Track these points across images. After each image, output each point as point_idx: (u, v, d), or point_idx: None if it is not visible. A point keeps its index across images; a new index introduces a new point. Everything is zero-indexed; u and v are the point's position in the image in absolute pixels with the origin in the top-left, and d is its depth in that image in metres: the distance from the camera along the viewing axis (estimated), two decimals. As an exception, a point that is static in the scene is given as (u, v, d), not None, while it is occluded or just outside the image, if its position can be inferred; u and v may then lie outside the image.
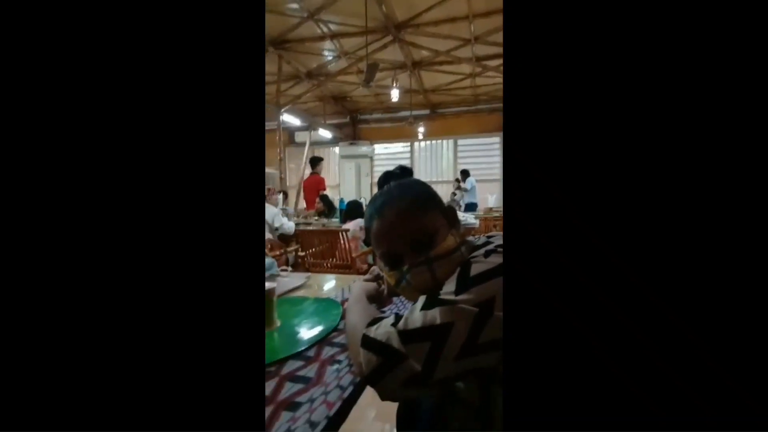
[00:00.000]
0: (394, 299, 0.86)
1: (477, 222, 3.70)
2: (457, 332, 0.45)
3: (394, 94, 4.61)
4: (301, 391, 0.48)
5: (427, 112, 7.07)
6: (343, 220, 3.52)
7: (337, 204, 4.33)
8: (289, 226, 3.29)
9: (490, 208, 5.33)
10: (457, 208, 4.84)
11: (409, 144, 7.48)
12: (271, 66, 5.03)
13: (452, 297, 0.48)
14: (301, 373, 0.53)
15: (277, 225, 3.18)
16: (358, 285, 0.75)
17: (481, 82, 5.77)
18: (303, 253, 2.96)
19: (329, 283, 1.12)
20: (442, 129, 7.13)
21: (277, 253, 2.81)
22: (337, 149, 7.59)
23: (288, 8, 3.93)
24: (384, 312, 0.79)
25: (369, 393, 0.49)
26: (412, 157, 7.47)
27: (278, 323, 0.72)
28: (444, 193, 6.00)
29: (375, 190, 5.86)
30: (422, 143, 7.41)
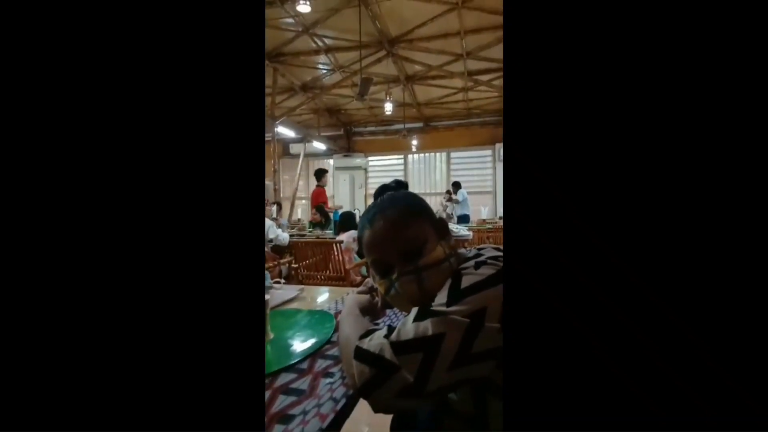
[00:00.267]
0: (388, 311, 0.86)
1: (470, 234, 3.72)
2: (448, 343, 0.46)
3: (388, 108, 4.67)
4: (294, 404, 0.48)
5: (420, 125, 7.15)
6: (337, 232, 3.52)
7: (331, 215, 4.34)
8: (283, 237, 3.28)
9: (483, 220, 5.36)
10: (449, 219, 4.86)
11: (402, 156, 7.54)
12: (266, 78, 5.07)
13: (444, 308, 0.48)
14: (294, 385, 0.53)
15: (271, 236, 3.17)
16: (351, 297, 0.75)
17: (474, 96, 5.87)
18: (296, 265, 2.94)
19: (323, 296, 1.11)
20: (435, 142, 7.21)
21: (271, 264, 2.79)
22: (331, 161, 7.62)
23: (283, 22, 3.99)
24: (377, 324, 0.79)
25: (363, 406, 0.49)
26: (405, 170, 7.53)
27: (271, 335, 0.72)
28: (438, 204, 6.03)
29: (369, 201, 5.87)
30: (416, 156, 7.47)
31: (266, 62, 4.64)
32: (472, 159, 7.17)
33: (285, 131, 5.47)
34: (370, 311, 0.81)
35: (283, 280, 1.29)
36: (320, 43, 4.42)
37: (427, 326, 0.47)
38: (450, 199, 5.67)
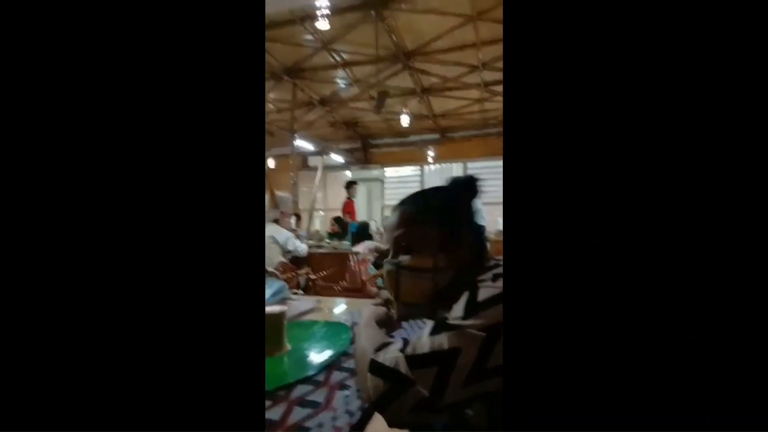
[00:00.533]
0: (404, 324, 0.86)
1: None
2: (464, 357, 0.45)
3: (405, 120, 4.70)
4: (310, 416, 0.48)
5: (436, 136, 7.15)
6: (354, 243, 3.53)
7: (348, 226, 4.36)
8: (302, 248, 3.31)
9: (500, 231, 5.27)
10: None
11: (419, 168, 7.54)
12: (285, 93, 5.20)
13: (460, 322, 0.48)
14: (310, 397, 0.53)
15: (290, 248, 3.21)
16: (368, 309, 0.75)
17: (490, 107, 5.84)
18: (314, 276, 2.96)
19: (339, 307, 1.12)
20: (451, 153, 7.18)
21: (289, 275, 2.82)
22: (348, 173, 7.69)
23: (303, 39, 4.09)
24: (393, 336, 0.79)
25: (378, 420, 0.49)
26: (422, 181, 7.51)
27: (288, 347, 0.72)
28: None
29: (386, 213, 5.84)
30: (432, 167, 7.46)
31: (286, 78, 4.76)
32: (489, 170, 7.08)
33: (303, 144, 5.57)
34: (386, 323, 0.81)
35: (301, 291, 1.30)
36: (338, 58, 4.51)
37: (443, 340, 0.47)
38: None
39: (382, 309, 0.79)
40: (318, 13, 3.04)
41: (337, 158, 6.65)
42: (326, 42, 4.10)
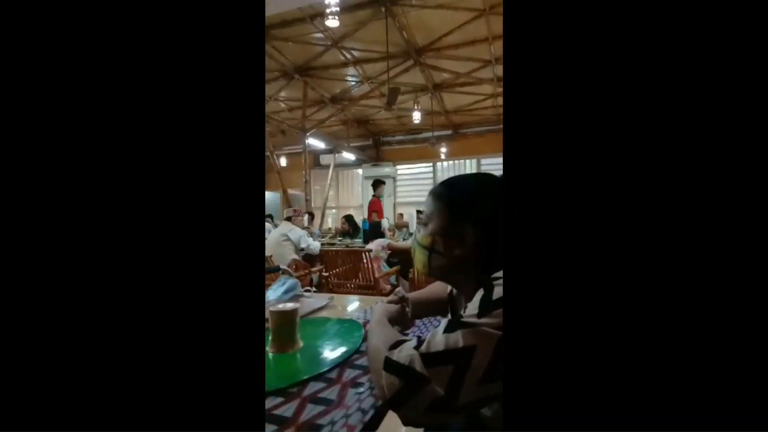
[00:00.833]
0: (417, 321, 0.85)
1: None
2: (480, 356, 0.44)
3: (416, 116, 4.68)
4: (323, 413, 0.48)
5: (449, 132, 7.11)
6: (366, 241, 3.54)
7: (360, 224, 4.37)
8: (314, 246, 3.33)
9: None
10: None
11: (431, 164, 7.50)
12: (297, 92, 5.23)
13: (475, 320, 0.47)
14: (322, 394, 0.53)
15: (303, 246, 3.23)
16: (380, 307, 0.75)
17: (503, 102, 5.78)
18: (327, 274, 2.98)
19: (352, 304, 1.12)
20: (464, 149, 7.14)
21: (302, 273, 2.84)
22: (360, 171, 7.70)
23: (313, 37, 4.11)
24: (407, 335, 0.78)
25: (392, 418, 0.48)
26: (434, 177, 7.48)
27: (301, 344, 0.72)
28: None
29: (398, 210, 5.78)
30: (445, 163, 7.42)
31: (297, 76, 4.79)
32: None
33: (315, 143, 5.60)
34: (399, 321, 0.80)
35: (313, 289, 1.31)
36: (348, 56, 4.51)
37: (458, 338, 0.46)
38: None
39: (394, 307, 0.78)
40: (327, 10, 3.04)
41: (348, 156, 6.66)
42: (336, 40, 4.11)
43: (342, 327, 0.83)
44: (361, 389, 0.55)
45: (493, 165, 7.09)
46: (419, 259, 0.65)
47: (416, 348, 0.48)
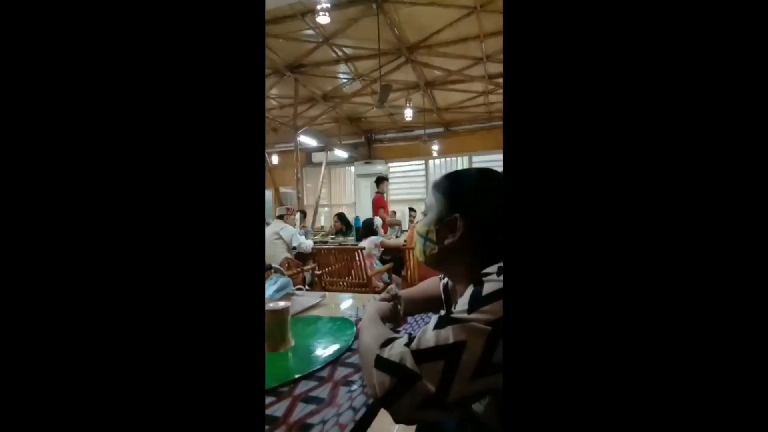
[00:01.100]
0: (409, 319, 0.85)
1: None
2: (470, 351, 0.44)
3: (408, 114, 4.68)
4: (314, 413, 0.48)
5: (441, 130, 7.12)
6: (359, 238, 3.53)
7: (353, 222, 4.36)
8: (306, 244, 3.32)
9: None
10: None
11: (423, 162, 7.51)
12: (288, 89, 5.19)
13: (465, 315, 0.47)
14: (314, 393, 0.53)
15: (294, 244, 3.22)
16: (371, 304, 0.75)
17: (495, 99, 5.80)
18: (319, 272, 2.97)
19: (344, 303, 1.11)
20: (456, 147, 7.15)
21: (294, 271, 2.83)
22: (352, 168, 7.68)
23: (303, 34, 4.07)
24: (398, 332, 0.78)
25: (384, 416, 0.48)
26: (426, 175, 7.49)
27: (292, 343, 0.72)
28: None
29: (391, 208, 5.71)
30: (437, 161, 7.43)
31: (288, 74, 4.75)
32: (494, 164, 7.05)
33: (307, 140, 5.56)
34: (391, 318, 0.80)
35: (305, 287, 1.30)
36: (340, 53, 4.49)
37: (449, 334, 0.46)
38: None
39: (386, 304, 0.78)
40: (318, 7, 3.01)
41: (341, 154, 6.64)
42: (327, 37, 4.09)
43: (334, 325, 0.83)
44: (353, 387, 0.54)
45: (485, 163, 7.12)
46: (417, 246, 0.67)
47: (407, 345, 0.48)
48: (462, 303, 0.50)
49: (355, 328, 0.79)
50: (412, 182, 7.54)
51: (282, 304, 0.73)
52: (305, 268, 3.08)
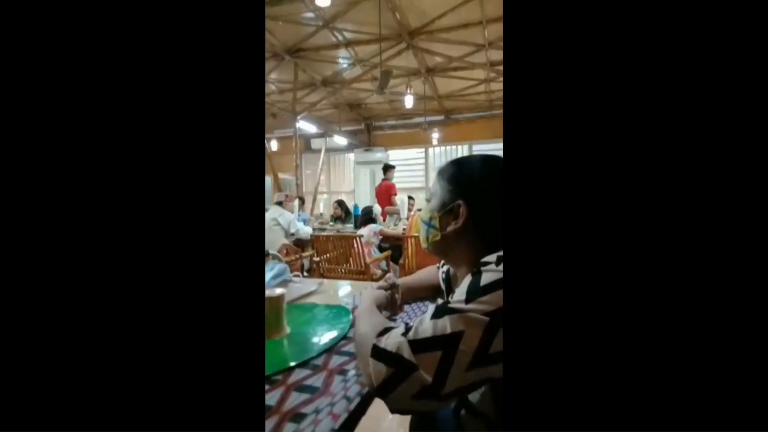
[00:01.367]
0: (406, 307, 0.84)
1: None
2: (467, 341, 0.44)
3: (408, 101, 4.62)
4: (307, 402, 0.47)
5: (441, 117, 7.05)
6: (358, 226, 3.53)
7: (351, 210, 4.35)
8: (305, 230, 3.31)
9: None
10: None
11: (423, 150, 7.46)
12: (287, 74, 5.11)
13: (462, 305, 0.46)
14: (308, 382, 0.52)
15: (293, 230, 3.21)
16: (368, 293, 0.74)
17: (496, 87, 5.73)
18: (318, 259, 2.97)
19: (341, 290, 1.11)
20: (456, 135, 7.10)
21: (293, 258, 2.83)
22: (352, 156, 7.63)
23: (303, 17, 3.99)
24: (395, 320, 0.77)
25: (378, 405, 0.48)
26: (426, 163, 7.45)
27: (287, 330, 0.71)
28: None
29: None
30: (437, 149, 7.38)
31: (287, 58, 4.67)
32: (495, 152, 6.99)
33: (306, 126, 5.51)
34: (388, 307, 0.79)
35: (304, 274, 1.30)
36: (340, 37, 4.41)
37: (446, 324, 0.46)
38: None
39: (383, 293, 0.77)
40: (318, -11, 2.94)
41: (340, 140, 6.58)
42: (327, 20, 4.00)
43: (330, 312, 0.83)
44: (346, 377, 0.54)
45: (485, 151, 7.07)
46: (421, 233, 0.68)
47: (404, 334, 0.47)
48: (460, 293, 0.49)
49: (351, 316, 0.78)
50: (411, 170, 7.50)
51: (278, 291, 0.73)
52: (303, 254, 3.08)
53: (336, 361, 0.59)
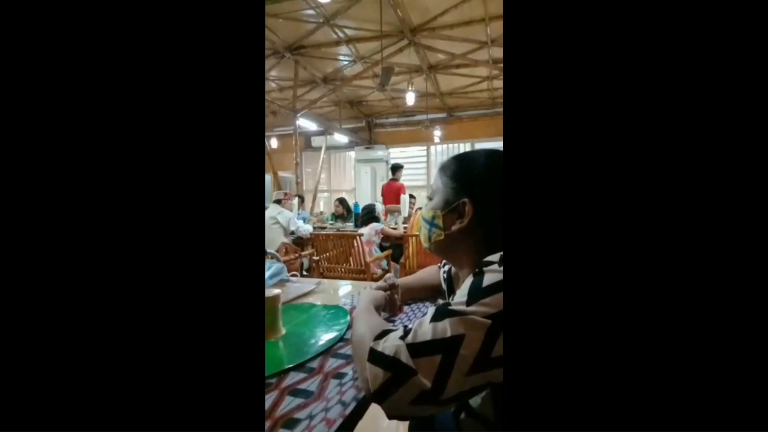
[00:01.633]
0: (406, 308, 0.82)
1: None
2: (468, 345, 0.42)
3: (410, 98, 4.59)
4: (301, 407, 0.45)
5: (443, 115, 7.02)
6: (358, 224, 3.51)
7: (352, 208, 4.33)
8: (305, 228, 3.30)
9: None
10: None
11: (425, 148, 7.43)
12: (287, 71, 5.08)
13: (463, 308, 0.44)
14: (302, 386, 0.50)
15: (292, 228, 3.20)
16: (366, 293, 0.72)
17: (498, 85, 5.70)
18: (317, 258, 2.95)
19: (340, 290, 1.09)
20: (459, 132, 7.06)
21: (292, 257, 2.81)
22: (352, 153, 7.61)
23: (304, 14, 3.97)
24: (394, 321, 0.76)
25: (375, 410, 0.46)
26: (428, 161, 7.42)
27: (283, 331, 0.69)
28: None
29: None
30: (439, 147, 7.35)
31: (288, 55, 4.64)
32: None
33: (307, 124, 5.48)
34: (387, 308, 0.77)
35: (298, 274, 1.28)
36: (341, 34, 4.38)
37: (446, 327, 0.44)
38: None
39: (382, 293, 0.75)
40: (319, -15, 2.91)
41: (341, 138, 6.55)
42: (328, 17, 3.97)
43: (328, 313, 0.81)
44: (342, 380, 0.52)
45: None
46: (423, 232, 0.64)
47: (402, 338, 0.45)
48: (461, 294, 0.47)
49: (349, 317, 0.76)
50: (413, 168, 7.47)
51: (274, 291, 0.71)
52: (303, 253, 3.07)
53: (332, 363, 0.57)
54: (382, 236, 3.18)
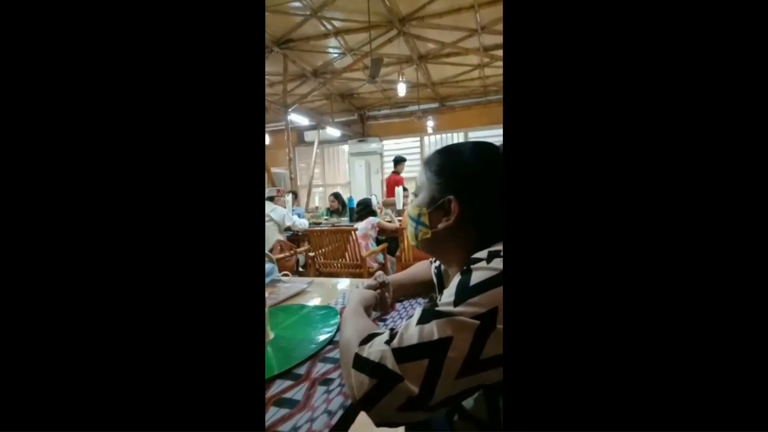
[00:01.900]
0: (398, 306, 0.81)
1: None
2: (456, 347, 0.40)
3: (401, 89, 4.54)
4: (286, 418, 0.44)
5: (435, 105, 6.97)
6: (353, 219, 3.48)
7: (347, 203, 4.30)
8: (301, 222, 3.27)
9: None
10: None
11: (418, 139, 7.39)
12: (276, 66, 5.01)
13: (450, 308, 0.42)
14: (288, 395, 0.48)
15: (288, 224, 3.17)
16: (355, 293, 0.70)
17: (490, 73, 5.65)
18: (313, 254, 2.93)
19: (334, 287, 1.07)
20: (451, 122, 7.02)
21: (288, 254, 2.79)
22: (346, 147, 7.55)
23: (291, 6, 3.89)
24: (385, 320, 0.74)
25: (364, 418, 0.44)
26: (422, 152, 7.38)
27: (271, 335, 0.67)
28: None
29: (385, 187, 5.74)
30: (432, 137, 7.30)
31: (276, 49, 4.57)
32: (491, 139, 6.91)
33: (298, 119, 5.43)
34: (378, 307, 0.76)
35: (298, 271, 1.26)
36: (329, 26, 4.31)
37: (433, 329, 0.42)
38: None
39: (371, 292, 0.73)
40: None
41: (333, 132, 6.50)
42: (315, 9, 3.90)
43: (317, 315, 0.79)
44: (329, 387, 0.50)
45: (481, 138, 6.99)
46: (409, 230, 0.62)
47: (388, 342, 0.43)
48: (448, 294, 0.45)
49: (339, 318, 0.74)
50: (407, 160, 7.43)
51: (260, 294, 0.69)
52: (299, 250, 3.05)
53: (320, 369, 0.55)
54: (378, 230, 3.16)
